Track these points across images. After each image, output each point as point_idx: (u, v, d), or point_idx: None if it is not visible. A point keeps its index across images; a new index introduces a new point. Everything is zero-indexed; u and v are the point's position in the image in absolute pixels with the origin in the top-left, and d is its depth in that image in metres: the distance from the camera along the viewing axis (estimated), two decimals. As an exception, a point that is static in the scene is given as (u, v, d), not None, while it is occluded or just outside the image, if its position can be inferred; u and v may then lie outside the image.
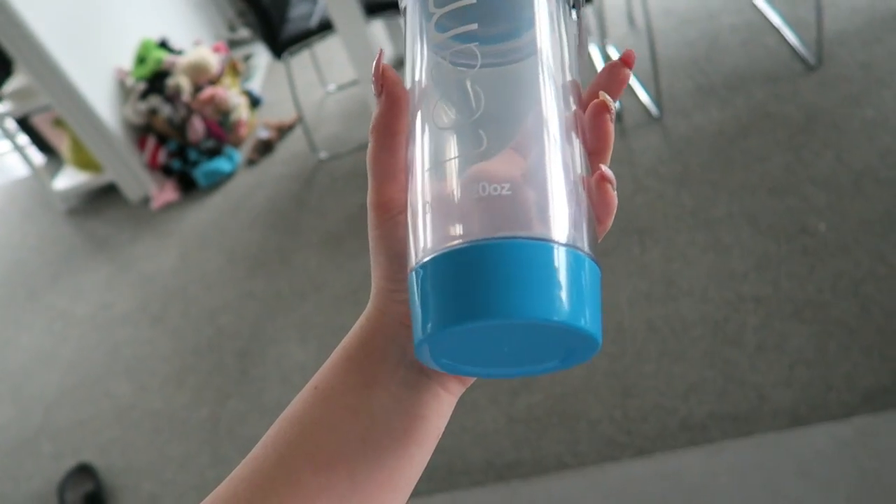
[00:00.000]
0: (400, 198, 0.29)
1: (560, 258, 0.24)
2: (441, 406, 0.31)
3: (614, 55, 2.17)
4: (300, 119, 2.51)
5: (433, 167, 0.27)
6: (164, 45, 2.78)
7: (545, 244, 0.24)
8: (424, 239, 0.26)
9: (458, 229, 0.25)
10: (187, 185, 2.61)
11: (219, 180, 2.58)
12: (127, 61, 2.68)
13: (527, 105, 0.28)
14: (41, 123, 2.79)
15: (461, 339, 0.25)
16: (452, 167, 0.27)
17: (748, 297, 1.42)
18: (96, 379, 1.94)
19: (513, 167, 0.27)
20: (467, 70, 0.27)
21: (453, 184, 0.26)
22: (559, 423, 1.36)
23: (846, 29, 1.98)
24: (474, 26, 0.27)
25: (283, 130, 2.69)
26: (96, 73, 2.53)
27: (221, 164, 2.57)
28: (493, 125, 0.27)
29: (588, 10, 2.04)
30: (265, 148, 2.63)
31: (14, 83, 2.56)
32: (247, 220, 2.32)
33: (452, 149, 0.27)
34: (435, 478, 1.36)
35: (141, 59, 2.68)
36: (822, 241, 1.47)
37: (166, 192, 2.59)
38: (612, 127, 0.28)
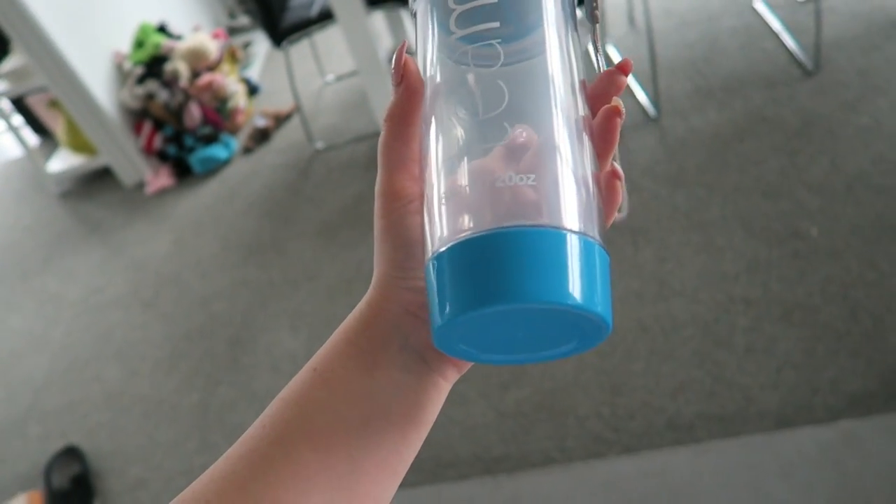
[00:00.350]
0: (410, 187, 0.29)
1: (574, 246, 0.25)
2: (438, 393, 0.31)
3: (613, 55, 2.17)
4: (298, 108, 2.51)
5: (456, 157, 0.28)
6: (162, 29, 2.76)
7: (561, 232, 0.25)
8: (443, 227, 0.26)
9: (478, 218, 0.26)
10: (182, 171, 2.60)
11: (214, 167, 2.57)
12: (125, 45, 2.67)
13: (545, 100, 0.28)
14: (36, 105, 2.78)
15: (478, 324, 0.26)
16: (475, 158, 0.27)
17: (738, 299, 1.43)
18: (86, 362, 1.94)
19: (532, 159, 0.27)
20: (490, 66, 0.28)
21: (475, 174, 0.27)
22: (547, 418, 1.37)
23: (844, 35, 1.99)
24: (496, 24, 0.28)
25: (280, 119, 2.68)
26: (94, 56, 2.51)
27: (217, 151, 2.56)
28: (515, 119, 0.28)
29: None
30: (262, 136, 2.62)
31: (10, 63, 2.55)
32: (242, 208, 2.31)
33: (475, 140, 0.28)
34: (422, 469, 1.36)
35: (139, 43, 2.66)
36: (813, 246, 1.48)
37: (161, 178, 2.58)
38: (618, 131, 0.29)
